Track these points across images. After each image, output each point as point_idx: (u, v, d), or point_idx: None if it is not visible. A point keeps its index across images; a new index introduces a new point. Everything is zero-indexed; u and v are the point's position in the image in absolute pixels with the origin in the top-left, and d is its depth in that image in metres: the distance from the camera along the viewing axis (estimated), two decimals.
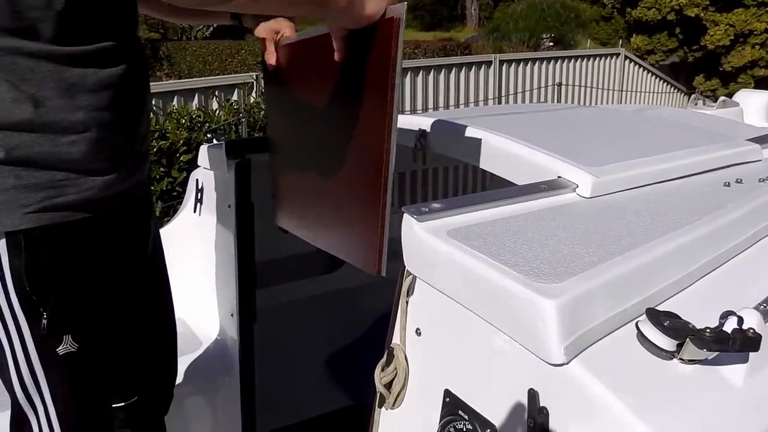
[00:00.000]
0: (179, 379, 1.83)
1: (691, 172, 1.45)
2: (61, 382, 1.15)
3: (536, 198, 1.19)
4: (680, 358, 0.84)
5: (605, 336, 0.87)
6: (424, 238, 0.99)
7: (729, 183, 1.40)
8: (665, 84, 12.17)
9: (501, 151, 1.42)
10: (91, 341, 1.18)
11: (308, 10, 1.10)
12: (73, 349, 1.14)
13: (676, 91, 12.31)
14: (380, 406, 1.12)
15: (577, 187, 1.25)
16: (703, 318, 0.87)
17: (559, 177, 1.28)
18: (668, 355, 0.84)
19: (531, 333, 0.83)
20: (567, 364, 0.81)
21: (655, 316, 0.84)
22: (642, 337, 0.84)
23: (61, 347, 1.14)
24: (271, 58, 1.45)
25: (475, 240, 0.97)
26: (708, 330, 0.79)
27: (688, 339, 0.81)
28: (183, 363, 1.85)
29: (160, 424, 1.61)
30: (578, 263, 0.92)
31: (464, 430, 0.96)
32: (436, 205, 1.06)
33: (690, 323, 0.85)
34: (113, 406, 1.47)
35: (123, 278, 1.31)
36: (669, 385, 0.82)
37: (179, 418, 1.85)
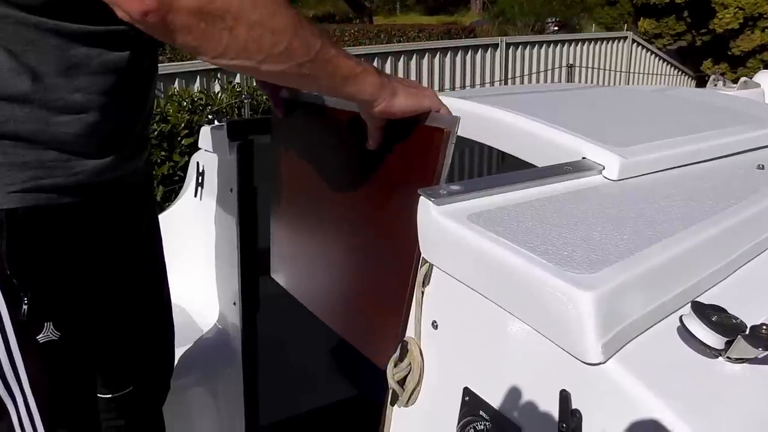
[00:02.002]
0: (180, 369, 1.76)
1: (721, 154, 1.37)
2: (40, 370, 1.09)
3: (561, 180, 1.10)
4: (727, 357, 0.76)
5: (644, 332, 0.79)
6: (443, 223, 0.91)
7: (763, 165, 1.31)
8: (673, 68, 12.04)
9: (520, 131, 1.33)
10: (74, 330, 1.12)
11: (339, 94, 1.00)
12: (54, 338, 1.08)
13: (683, 75, 12.17)
14: (392, 404, 1.05)
15: (604, 168, 1.16)
16: (746, 311, 0.79)
17: (583, 158, 1.19)
18: (714, 353, 0.76)
19: (564, 329, 0.75)
20: (604, 363, 0.73)
21: (702, 311, 0.75)
22: (686, 334, 0.76)
23: (41, 335, 1.08)
24: (281, 112, 1.38)
25: (499, 225, 0.89)
26: (765, 327, 0.71)
27: (739, 336, 0.73)
28: (184, 353, 1.78)
29: (156, 414, 1.56)
30: (613, 251, 0.84)
31: (485, 431, 0.88)
32: (454, 187, 0.97)
33: (738, 318, 0.77)
34: (107, 396, 1.44)
35: (112, 267, 1.25)
36: (715, 385, 0.75)
37: (180, 409, 1.78)
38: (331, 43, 0.94)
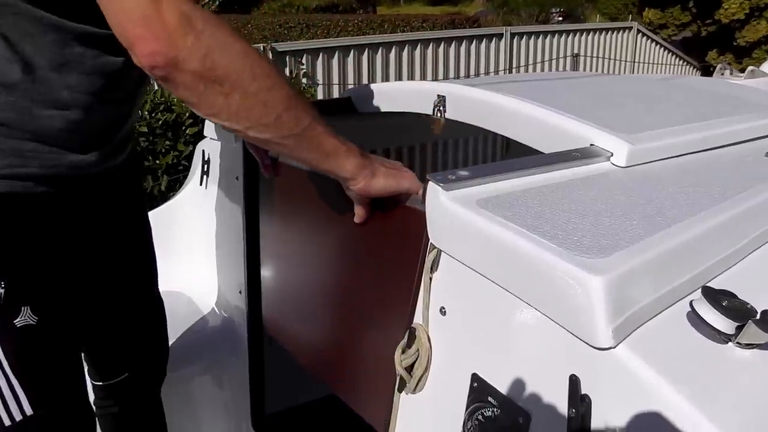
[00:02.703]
0: (186, 358, 1.77)
1: (729, 142, 1.36)
2: (18, 353, 1.10)
3: (569, 167, 1.10)
4: (737, 342, 0.76)
5: (654, 317, 0.78)
6: (452, 209, 0.91)
7: None
8: (677, 59, 11.97)
9: (527, 118, 1.33)
10: (53, 315, 1.12)
11: (319, 167, 1.03)
12: (32, 322, 1.08)
13: (688, 66, 12.11)
14: (400, 391, 1.05)
15: (612, 155, 1.16)
16: (756, 297, 0.79)
17: (591, 145, 1.19)
18: (724, 339, 0.76)
19: (574, 313, 0.74)
20: (614, 348, 0.73)
21: (713, 296, 0.75)
22: (697, 319, 0.76)
23: (18, 319, 1.08)
24: (268, 171, 1.39)
25: (508, 210, 0.88)
26: None
27: (750, 321, 0.72)
28: (189, 342, 1.79)
29: (153, 400, 1.57)
30: (623, 236, 0.83)
31: (494, 417, 0.88)
32: (463, 173, 0.97)
33: (749, 303, 0.77)
34: (101, 384, 1.46)
35: (93, 255, 1.26)
36: (725, 370, 0.74)
37: (186, 398, 1.79)
38: (319, 121, 0.97)
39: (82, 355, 1.39)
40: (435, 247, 0.95)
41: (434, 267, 0.96)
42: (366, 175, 1.02)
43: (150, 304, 1.49)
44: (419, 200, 1.02)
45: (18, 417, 1.10)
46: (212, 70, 0.86)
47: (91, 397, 1.49)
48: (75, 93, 1.06)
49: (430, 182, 0.94)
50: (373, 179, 1.02)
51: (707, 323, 0.74)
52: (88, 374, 1.47)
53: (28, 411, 1.10)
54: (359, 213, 1.10)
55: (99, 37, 1.05)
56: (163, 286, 1.92)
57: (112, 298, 1.38)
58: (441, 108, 1.54)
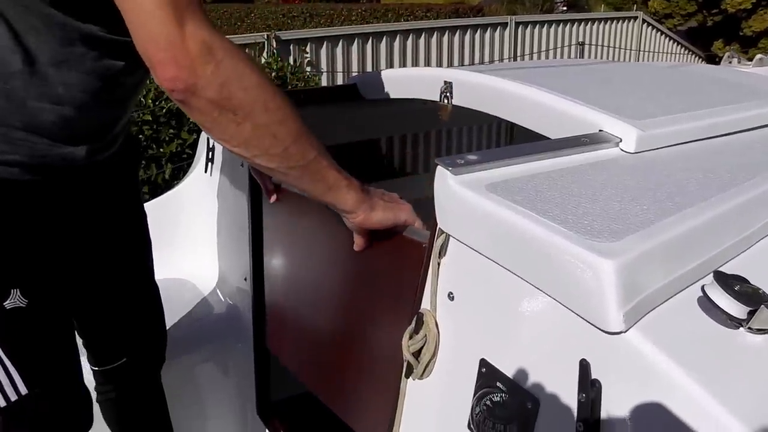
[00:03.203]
0: (191, 345, 1.77)
1: (739, 129, 1.35)
2: (9, 335, 1.12)
3: (577, 152, 1.09)
4: (749, 327, 0.75)
5: (665, 301, 0.78)
6: (461, 193, 0.90)
7: None
8: (683, 49, 11.91)
9: (535, 103, 1.32)
10: (43, 299, 1.14)
11: (320, 199, 1.07)
12: (21, 304, 1.10)
13: (693, 55, 12.05)
14: (407, 377, 1.04)
15: (621, 141, 1.15)
16: (767, 283, 0.78)
17: (600, 131, 1.18)
18: (736, 323, 0.75)
19: (585, 297, 0.74)
20: (625, 332, 0.72)
21: (725, 280, 0.74)
22: (708, 303, 0.75)
23: (8, 301, 1.09)
24: (271, 196, 1.41)
25: (517, 194, 0.87)
26: None
27: (762, 306, 0.72)
28: (194, 328, 1.79)
29: (152, 385, 1.59)
30: (633, 221, 0.83)
31: (502, 403, 0.87)
32: (471, 157, 0.96)
33: (761, 289, 0.76)
34: (98, 369, 1.49)
35: (84, 242, 1.28)
36: (737, 355, 0.74)
37: (191, 384, 1.79)
38: (324, 155, 1.01)
39: (81, 341, 1.42)
40: (443, 232, 0.95)
41: (442, 252, 0.96)
42: (365, 209, 1.05)
43: (144, 291, 1.51)
44: (416, 231, 1.07)
45: (13, 397, 1.12)
46: (228, 100, 0.90)
47: (92, 385, 1.51)
48: (71, 90, 1.07)
49: (438, 166, 0.94)
50: (371, 213, 1.06)
51: (719, 308, 0.74)
52: (87, 360, 1.48)
53: (23, 390, 1.12)
54: (358, 242, 1.13)
55: (103, 40, 1.07)
56: (168, 274, 1.92)
57: (104, 284, 1.40)
58: (448, 94, 1.53)
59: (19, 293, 1.10)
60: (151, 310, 1.53)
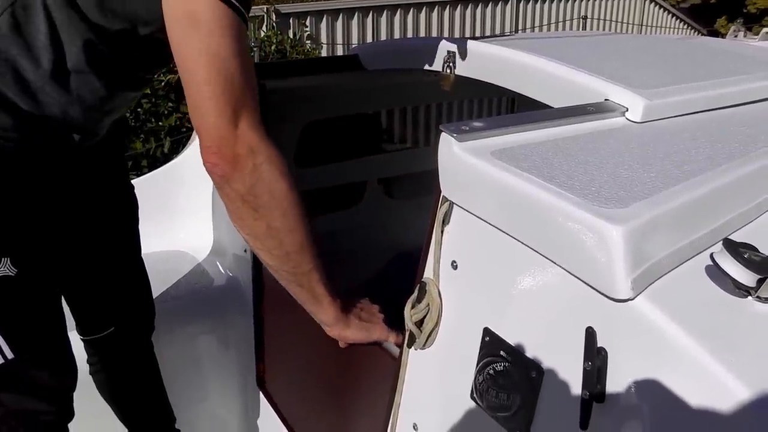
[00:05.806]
0: (191, 317, 1.76)
1: (745, 100, 1.33)
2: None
3: (584, 120, 1.07)
4: (758, 296, 0.74)
5: (673, 269, 0.77)
6: (465, 160, 0.88)
7: None
8: (685, 25, 11.81)
9: (540, 72, 1.29)
10: (32, 268, 1.16)
11: (302, 304, 1.16)
12: (10, 273, 1.12)
13: (695, 32, 11.95)
14: (410, 346, 1.04)
15: (627, 110, 1.13)
16: None
17: (606, 100, 1.16)
18: (744, 292, 0.74)
19: (592, 264, 0.73)
20: (633, 299, 0.71)
21: (734, 248, 0.73)
22: (717, 271, 0.74)
23: None
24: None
25: (524, 161, 0.86)
26: None
27: None
28: (194, 300, 1.78)
29: (144, 352, 1.61)
30: (641, 188, 0.81)
31: (505, 372, 0.87)
32: (477, 124, 0.94)
33: None
34: (87, 338, 1.51)
35: (71, 215, 1.31)
36: (745, 323, 0.73)
37: (191, 356, 1.78)
38: (318, 270, 1.10)
39: (70, 313, 1.44)
40: (447, 200, 0.93)
41: (446, 220, 0.94)
42: (340, 327, 1.16)
43: (130, 262, 1.53)
44: (391, 344, 1.17)
45: None
46: (254, 198, 1.00)
47: (85, 359, 1.53)
48: (83, 94, 1.12)
49: (443, 133, 0.92)
50: (345, 330, 1.17)
51: (728, 275, 0.73)
52: (77, 332, 1.51)
53: (9, 355, 1.13)
54: (340, 342, 1.21)
55: (131, 77, 1.17)
56: (167, 246, 1.91)
57: (91, 255, 1.43)
58: (451, 64, 1.50)
59: (9, 262, 1.12)
60: (137, 280, 1.55)
